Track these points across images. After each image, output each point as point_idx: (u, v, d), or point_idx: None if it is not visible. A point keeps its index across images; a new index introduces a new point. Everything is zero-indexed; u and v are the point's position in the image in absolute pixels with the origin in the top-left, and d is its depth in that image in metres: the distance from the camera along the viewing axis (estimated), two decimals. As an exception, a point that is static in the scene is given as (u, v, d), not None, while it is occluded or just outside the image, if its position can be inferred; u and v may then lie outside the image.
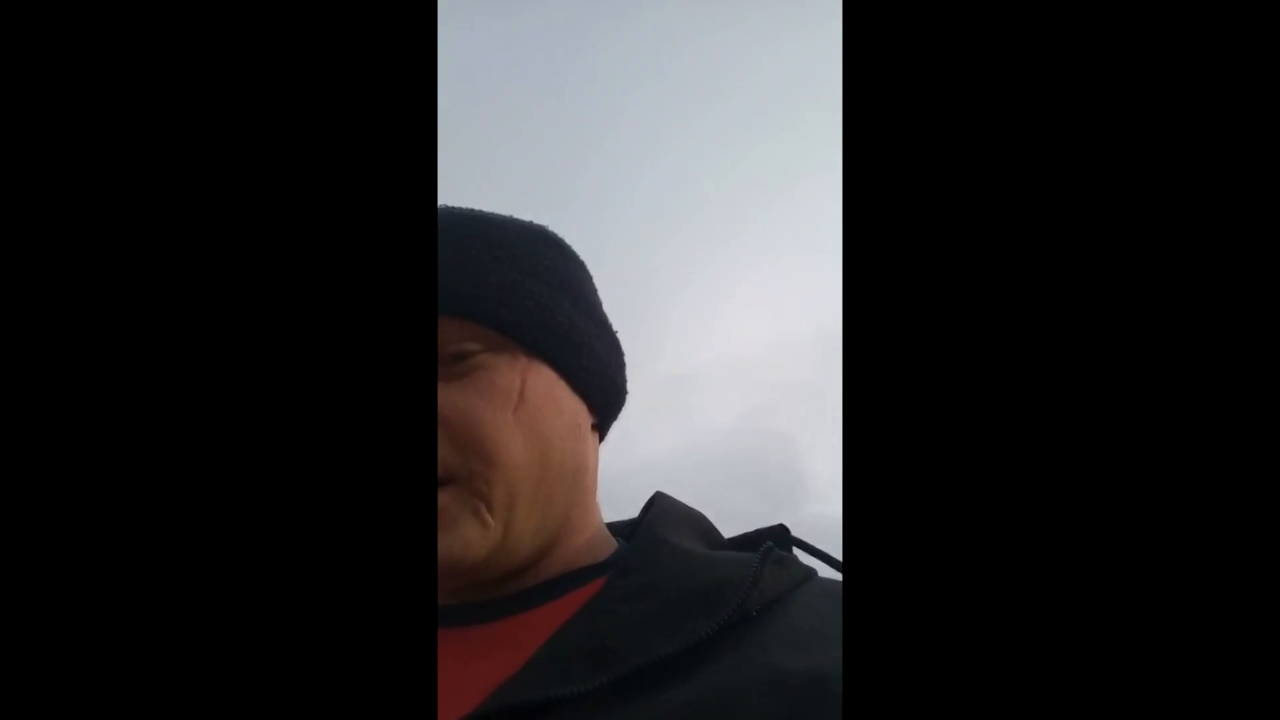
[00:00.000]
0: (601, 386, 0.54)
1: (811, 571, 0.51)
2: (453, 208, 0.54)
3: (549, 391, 0.50)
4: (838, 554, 0.52)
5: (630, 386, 0.58)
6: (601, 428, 0.57)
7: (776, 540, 0.52)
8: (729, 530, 0.56)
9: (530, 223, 0.55)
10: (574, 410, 0.52)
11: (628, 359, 0.58)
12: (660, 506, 0.56)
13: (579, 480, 0.52)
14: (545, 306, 0.51)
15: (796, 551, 0.53)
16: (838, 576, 0.51)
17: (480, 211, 0.54)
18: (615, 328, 0.58)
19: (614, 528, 0.58)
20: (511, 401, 0.48)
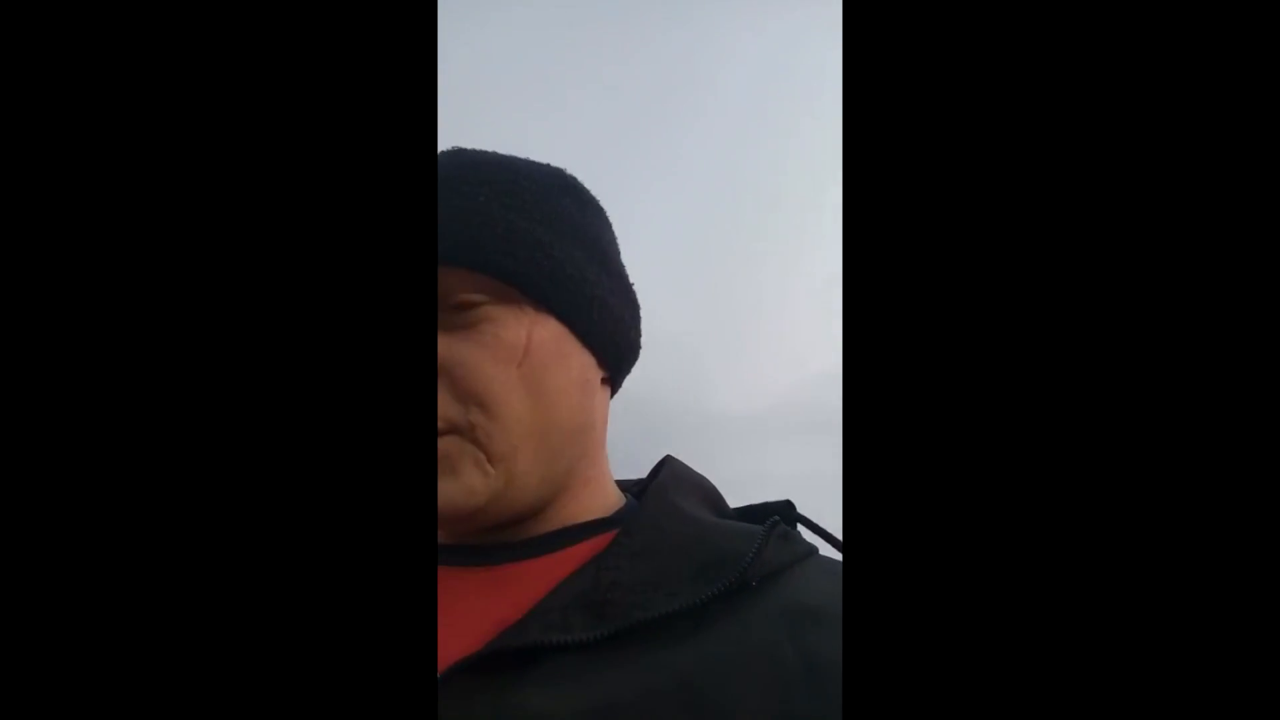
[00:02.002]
0: (614, 340, 0.52)
1: (813, 549, 0.50)
2: (464, 150, 0.52)
3: (556, 345, 0.49)
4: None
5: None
6: (613, 382, 0.55)
7: (783, 515, 0.52)
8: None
9: (547, 165, 0.53)
10: (583, 365, 0.51)
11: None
12: (670, 470, 0.55)
13: (586, 434, 0.52)
14: (555, 258, 0.49)
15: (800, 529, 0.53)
16: (838, 555, 0.51)
17: (493, 154, 0.52)
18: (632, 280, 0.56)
19: (622, 486, 0.57)
20: (516, 356, 0.47)
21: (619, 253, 0.56)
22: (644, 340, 0.57)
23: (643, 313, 0.57)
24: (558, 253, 0.49)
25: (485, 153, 0.52)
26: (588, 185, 0.55)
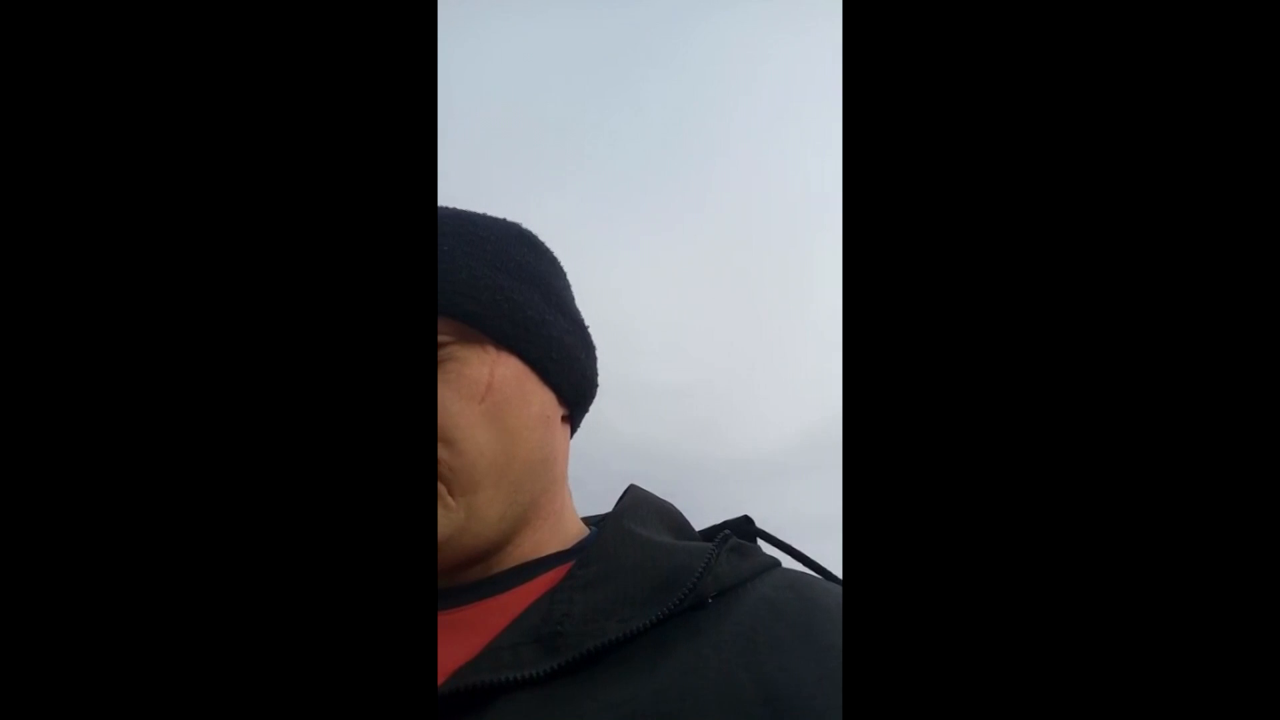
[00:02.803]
0: (571, 379, 0.55)
1: (774, 562, 0.51)
2: None
3: (517, 383, 0.52)
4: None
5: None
6: (572, 419, 0.58)
7: (739, 530, 0.53)
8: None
9: (504, 220, 0.57)
10: (543, 401, 0.53)
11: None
12: (631, 498, 0.57)
13: (547, 469, 0.54)
14: (515, 301, 0.52)
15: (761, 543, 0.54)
16: (800, 567, 0.52)
17: (454, 209, 0.56)
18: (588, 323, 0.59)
19: (588, 521, 0.59)
20: (479, 392, 0.49)
21: (574, 299, 0.59)
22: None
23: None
24: (517, 297, 0.52)
25: (446, 207, 0.56)
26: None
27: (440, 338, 0.50)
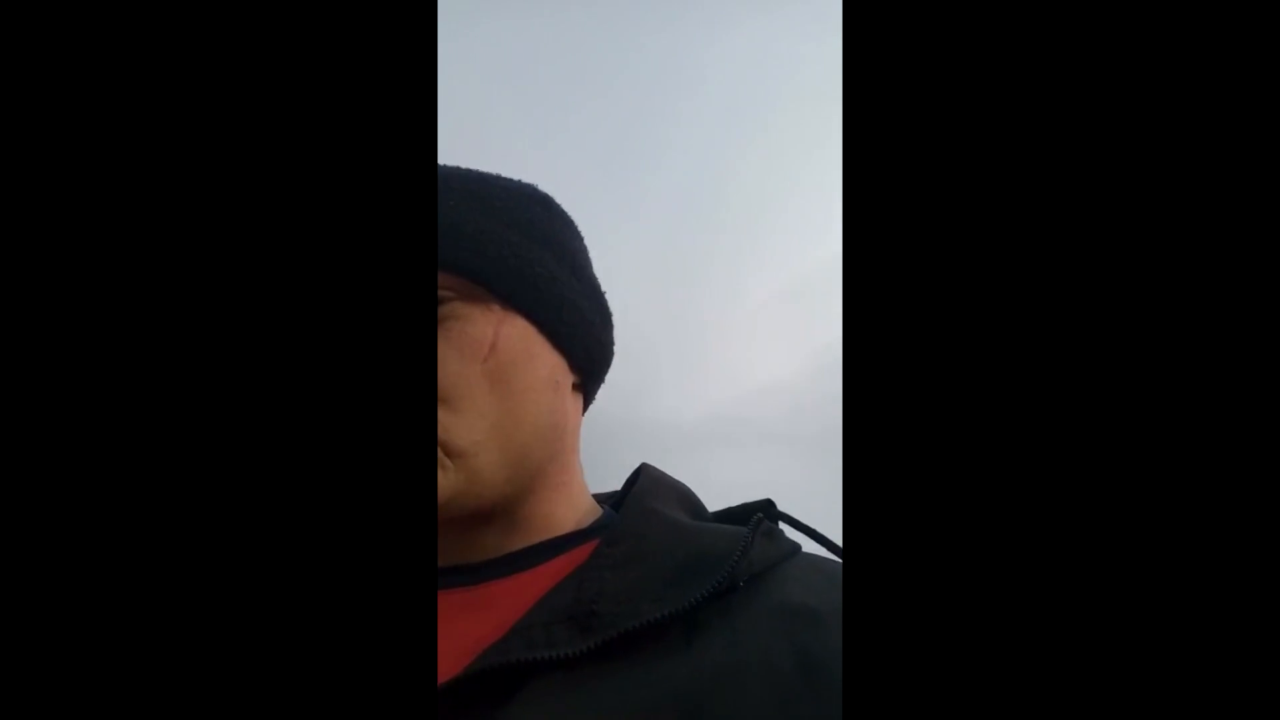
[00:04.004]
0: (584, 343, 0.52)
1: (798, 546, 0.50)
2: (438, 165, 0.52)
3: (524, 344, 0.49)
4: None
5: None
6: (585, 388, 0.55)
7: (765, 514, 0.51)
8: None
9: (518, 181, 0.54)
10: (552, 365, 0.50)
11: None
12: (647, 477, 0.55)
13: (556, 435, 0.51)
14: (523, 258, 0.49)
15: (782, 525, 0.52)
16: (822, 552, 0.50)
17: (465, 169, 0.53)
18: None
19: (599, 499, 0.57)
20: (482, 352, 0.47)
21: (590, 263, 0.56)
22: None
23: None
24: (526, 253, 0.49)
25: (457, 167, 0.53)
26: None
27: (444, 294, 0.47)
